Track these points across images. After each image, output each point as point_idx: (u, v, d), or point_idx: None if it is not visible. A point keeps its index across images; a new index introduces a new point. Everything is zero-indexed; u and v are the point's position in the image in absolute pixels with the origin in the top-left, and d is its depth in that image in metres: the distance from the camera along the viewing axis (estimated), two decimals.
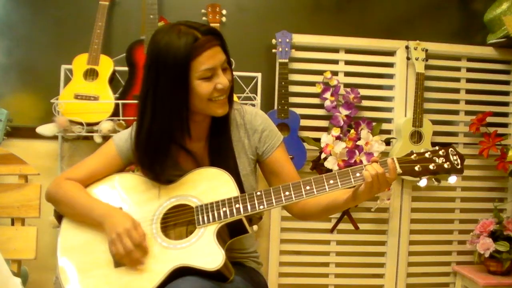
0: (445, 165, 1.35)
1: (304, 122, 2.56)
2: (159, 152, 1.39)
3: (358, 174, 1.34)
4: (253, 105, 2.45)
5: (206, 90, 1.35)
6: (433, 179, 1.37)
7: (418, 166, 1.35)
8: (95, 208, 1.40)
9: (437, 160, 1.36)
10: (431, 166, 1.35)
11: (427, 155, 1.36)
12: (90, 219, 1.40)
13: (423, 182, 1.39)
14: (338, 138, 2.45)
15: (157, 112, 1.36)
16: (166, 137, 1.39)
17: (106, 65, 2.40)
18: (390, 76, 2.69)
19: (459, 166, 1.36)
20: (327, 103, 2.54)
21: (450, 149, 1.37)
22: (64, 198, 1.45)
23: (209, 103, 1.38)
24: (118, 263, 1.35)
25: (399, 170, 1.35)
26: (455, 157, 1.37)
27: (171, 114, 1.36)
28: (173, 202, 1.42)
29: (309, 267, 2.66)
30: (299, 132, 2.53)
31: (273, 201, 1.37)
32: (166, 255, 1.34)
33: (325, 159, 2.44)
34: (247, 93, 2.55)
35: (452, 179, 1.38)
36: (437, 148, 1.38)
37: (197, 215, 1.38)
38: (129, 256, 1.32)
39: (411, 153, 1.37)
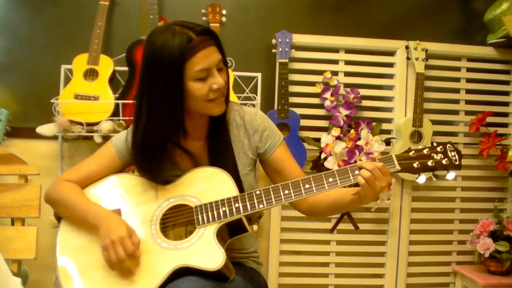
0: (443, 161, 1.36)
1: (304, 122, 2.56)
2: (155, 152, 1.39)
3: (357, 172, 1.35)
4: (253, 105, 2.45)
5: (201, 92, 1.35)
6: (431, 175, 1.37)
7: (417, 162, 1.36)
8: (91, 210, 1.40)
9: (435, 156, 1.36)
10: (429, 163, 1.36)
11: (425, 151, 1.37)
12: (85, 221, 1.40)
13: (421, 178, 1.40)
14: (338, 138, 2.45)
15: (152, 113, 1.35)
16: (162, 137, 1.38)
17: (106, 65, 2.40)
18: (390, 76, 2.69)
19: (457, 162, 1.37)
20: (327, 103, 2.54)
21: (448, 145, 1.38)
22: (61, 199, 1.44)
23: (207, 104, 1.38)
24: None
25: (398, 167, 1.35)
26: (453, 153, 1.37)
27: (166, 115, 1.35)
28: (172, 203, 1.42)
29: (309, 267, 2.66)
30: (299, 132, 2.53)
31: (273, 200, 1.37)
32: (166, 256, 1.34)
33: (325, 159, 2.44)
34: (247, 93, 2.54)
35: (451, 175, 1.38)
36: (435, 144, 1.38)
37: (197, 215, 1.38)
38: (120, 264, 1.32)
39: (409, 150, 1.37)
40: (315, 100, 2.60)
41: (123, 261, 1.31)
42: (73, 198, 1.43)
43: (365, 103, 2.62)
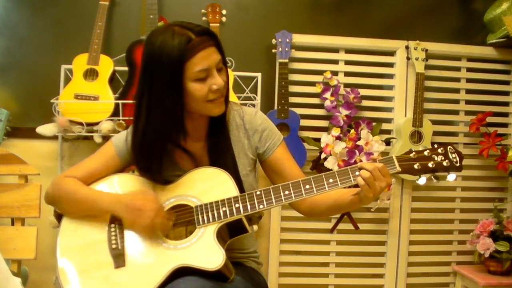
0: (444, 163, 1.36)
1: (304, 122, 2.56)
2: (154, 153, 1.39)
3: (357, 173, 1.35)
4: (253, 105, 2.45)
5: (201, 92, 1.35)
6: (432, 176, 1.37)
7: (417, 164, 1.35)
8: (102, 198, 1.40)
9: (436, 158, 1.36)
10: (430, 164, 1.36)
11: (426, 153, 1.37)
12: (96, 211, 1.40)
13: (422, 180, 1.40)
14: (338, 138, 2.45)
15: (151, 113, 1.36)
16: (161, 138, 1.39)
17: (106, 65, 2.40)
18: (390, 76, 2.69)
19: (457, 164, 1.37)
20: (327, 103, 2.54)
21: (449, 147, 1.38)
22: (65, 194, 1.44)
23: (206, 104, 1.38)
24: (118, 263, 1.35)
25: (398, 168, 1.35)
26: (453, 155, 1.37)
27: (166, 115, 1.35)
28: (173, 202, 1.42)
29: (309, 267, 2.66)
30: (299, 132, 2.53)
31: (273, 200, 1.37)
32: (166, 255, 1.34)
33: (325, 159, 2.44)
34: (247, 93, 2.55)
35: (451, 177, 1.38)
36: (435, 146, 1.38)
37: (197, 215, 1.38)
38: (160, 214, 1.34)
39: (410, 151, 1.37)
40: (315, 100, 2.60)
41: (156, 218, 1.34)
42: (79, 192, 1.43)
43: (365, 103, 2.62)
